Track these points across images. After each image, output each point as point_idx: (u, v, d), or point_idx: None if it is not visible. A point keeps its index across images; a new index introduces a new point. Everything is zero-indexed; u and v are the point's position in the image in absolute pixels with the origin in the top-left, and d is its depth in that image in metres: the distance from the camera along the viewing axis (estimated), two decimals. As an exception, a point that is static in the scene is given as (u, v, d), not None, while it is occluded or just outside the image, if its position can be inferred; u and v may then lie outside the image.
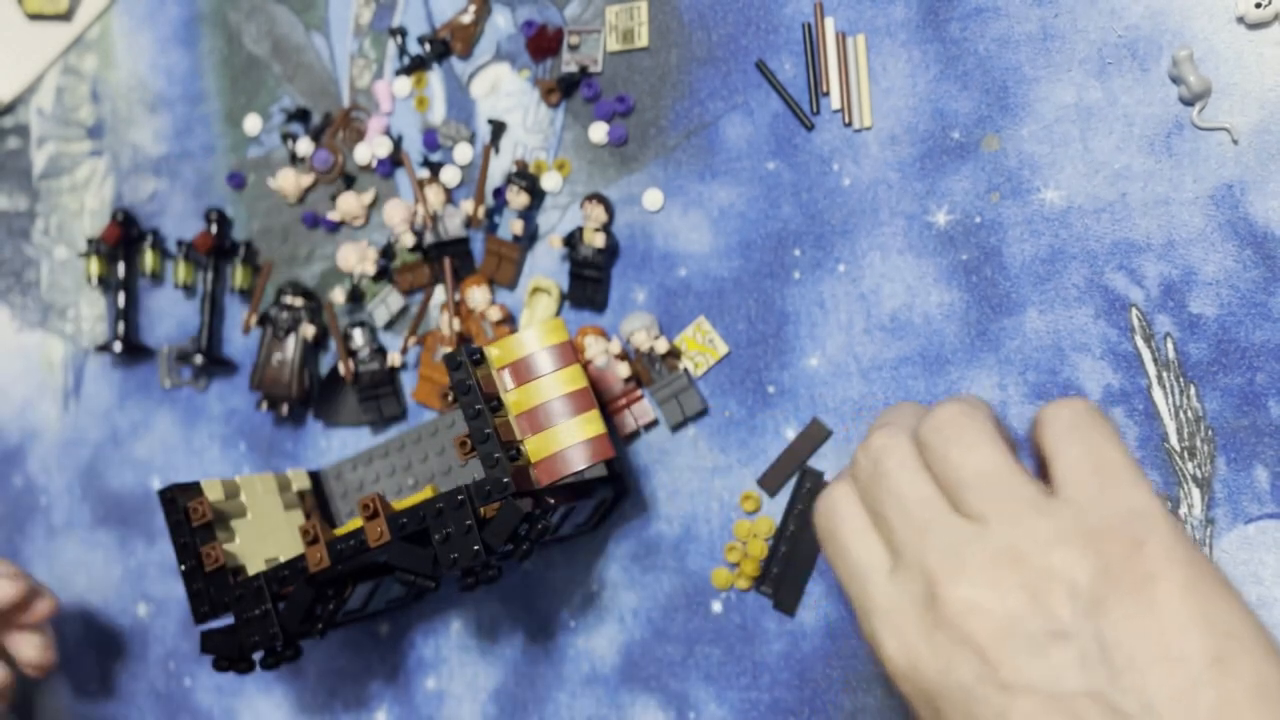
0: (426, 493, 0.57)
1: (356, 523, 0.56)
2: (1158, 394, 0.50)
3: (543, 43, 0.61)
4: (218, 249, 0.70)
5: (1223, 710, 0.32)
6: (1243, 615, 0.35)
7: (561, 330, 0.53)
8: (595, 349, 0.58)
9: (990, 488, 0.38)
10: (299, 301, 0.66)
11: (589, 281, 0.60)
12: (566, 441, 0.52)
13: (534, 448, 0.52)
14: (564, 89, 0.61)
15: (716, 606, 0.57)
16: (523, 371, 0.52)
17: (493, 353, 0.53)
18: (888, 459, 0.40)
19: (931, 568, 0.36)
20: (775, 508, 0.56)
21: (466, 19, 0.64)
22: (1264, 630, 0.35)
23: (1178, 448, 0.50)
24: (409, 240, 0.63)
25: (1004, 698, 0.34)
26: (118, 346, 0.72)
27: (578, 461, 0.52)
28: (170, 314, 0.73)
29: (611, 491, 0.57)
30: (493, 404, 0.51)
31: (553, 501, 0.52)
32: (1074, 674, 0.33)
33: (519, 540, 0.50)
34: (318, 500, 0.63)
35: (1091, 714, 0.33)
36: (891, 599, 0.38)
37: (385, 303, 0.65)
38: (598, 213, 0.59)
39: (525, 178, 0.60)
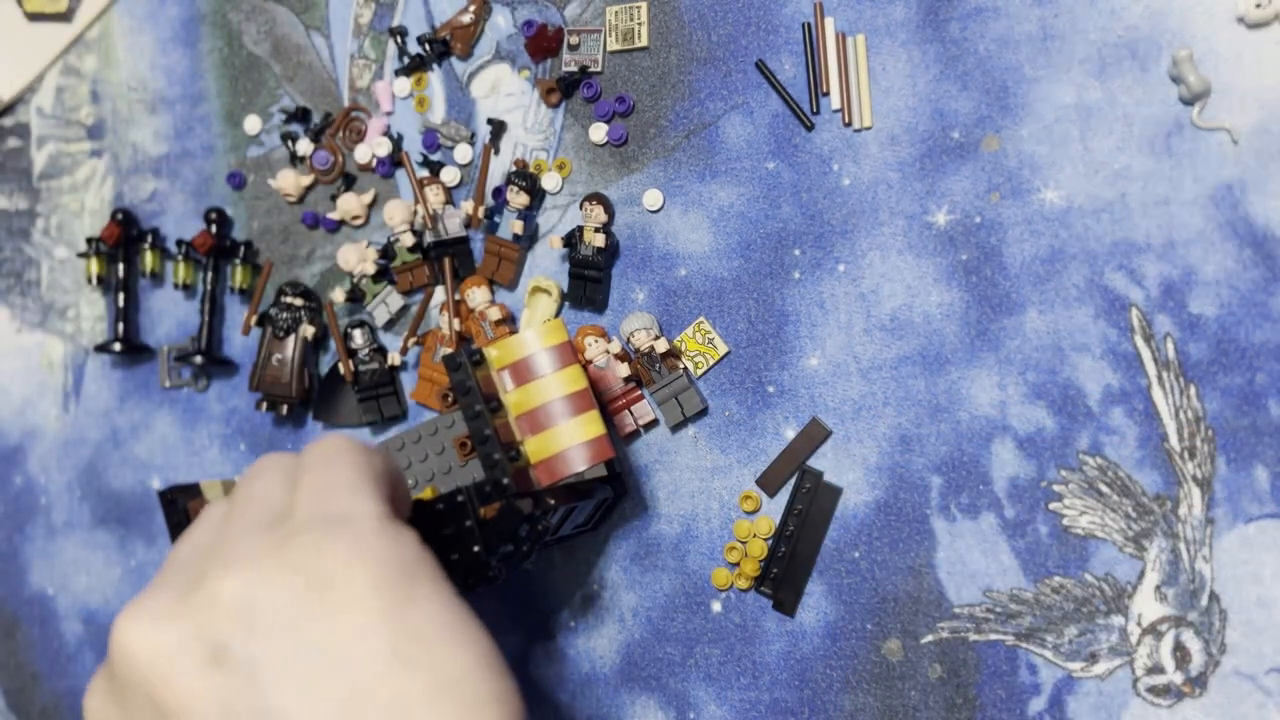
0: (426, 493, 0.57)
1: None
2: (1158, 394, 0.50)
3: (543, 43, 0.61)
4: (218, 249, 0.70)
5: (401, 700, 0.32)
6: (436, 608, 0.34)
7: (561, 331, 0.53)
8: (595, 349, 0.58)
9: (235, 519, 0.37)
10: (299, 301, 0.66)
11: (589, 281, 0.60)
12: (566, 442, 0.52)
13: (534, 448, 0.52)
14: (564, 89, 0.61)
15: (716, 606, 0.57)
16: (523, 372, 0.52)
17: (492, 353, 0.53)
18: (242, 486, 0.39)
19: (118, 617, 0.35)
20: (775, 508, 0.56)
21: (466, 19, 0.64)
22: (462, 625, 0.34)
23: (1178, 448, 0.50)
24: (409, 240, 0.63)
25: None
26: (118, 346, 0.72)
27: (578, 462, 0.52)
28: (170, 314, 0.73)
29: (611, 492, 0.57)
30: (492, 405, 0.51)
31: (552, 502, 0.52)
32: (241, 697, 0.32)
33: (519, 541, 0.50)
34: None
35: None
36: (103, 663, 0.37)
37: (385, 303, 0.65)
38: (598, 213, 0.59)
39: (525, 178, 0.60)
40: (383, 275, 0.66)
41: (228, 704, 0.32)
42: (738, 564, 0.57)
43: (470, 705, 0.33)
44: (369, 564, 0.34)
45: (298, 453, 0.41)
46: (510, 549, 0.50)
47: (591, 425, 0.52)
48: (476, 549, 0.49)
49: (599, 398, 0.57)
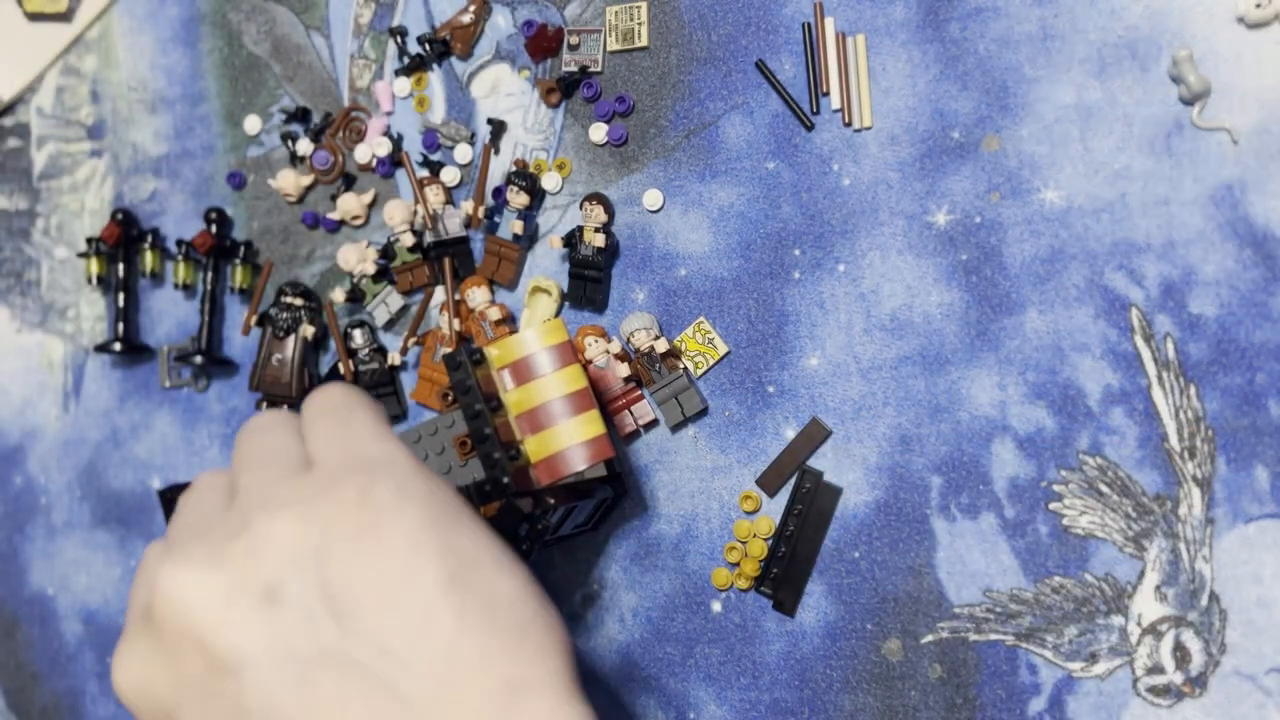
0: (426, 493, 0.57)
1: None
2: (1158, 394, 0.50)
3: (543, 43, 0.61)
4: (218, 249, 0.70)
5: (458, 626, 0.33)
6: (480, 539, 0.35)
7: (561, 330, 0.53)
8: (595, 349, 0.58)
9: (255, 470, 0.37)
10: (299, 301, 0.66)
11: (589, 281, 0.60)
12: (566, 442, 0.52)
13: (534, 448, 0.52)
14: (564, 89, 0.61)
15: (716, 606, 0.57)
16: (523, 371, 0.52)
17: (493, 353, 0.53)
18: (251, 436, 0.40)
19: (154, 571, 0.35)
20: (775, 508, 0.56)
21: (466, 19, 0.64)
22: (504, 554, 0.36)
23: (1178, 448, 0.50)
24: (409, 240, 0.63)
25: (235, 681, 0.32)
26: (118, 346, 0.72)
27: (578, 462, 0.52)
28: (170, 314, 0.73)
29: (611, 491, 0.57)
30: (492, 404, 0.51)
31: (552, 501, 0.52)
32: (301, 635, 0.32)
33: (518, 540, 0.50)
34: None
35: (322, 673, 0.32)
36: (127, 629, 0.36)
37: (385, 303, 0.65)
38: (598, 213, 0.59)
39: (525, 178, 0.60)
40: (383, 275, 0.66)
41: (287, 643, 0.32)
42: (738, 564, 0.57)
43: (523, 627, 0.34)
44: (416, 500, 0.35)
45: (290, 412, 0.41)
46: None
47: (591, 424, 0.52)
48: (476, 549, 0.50)
49: (599, 398, 0.57)
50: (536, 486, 0.51)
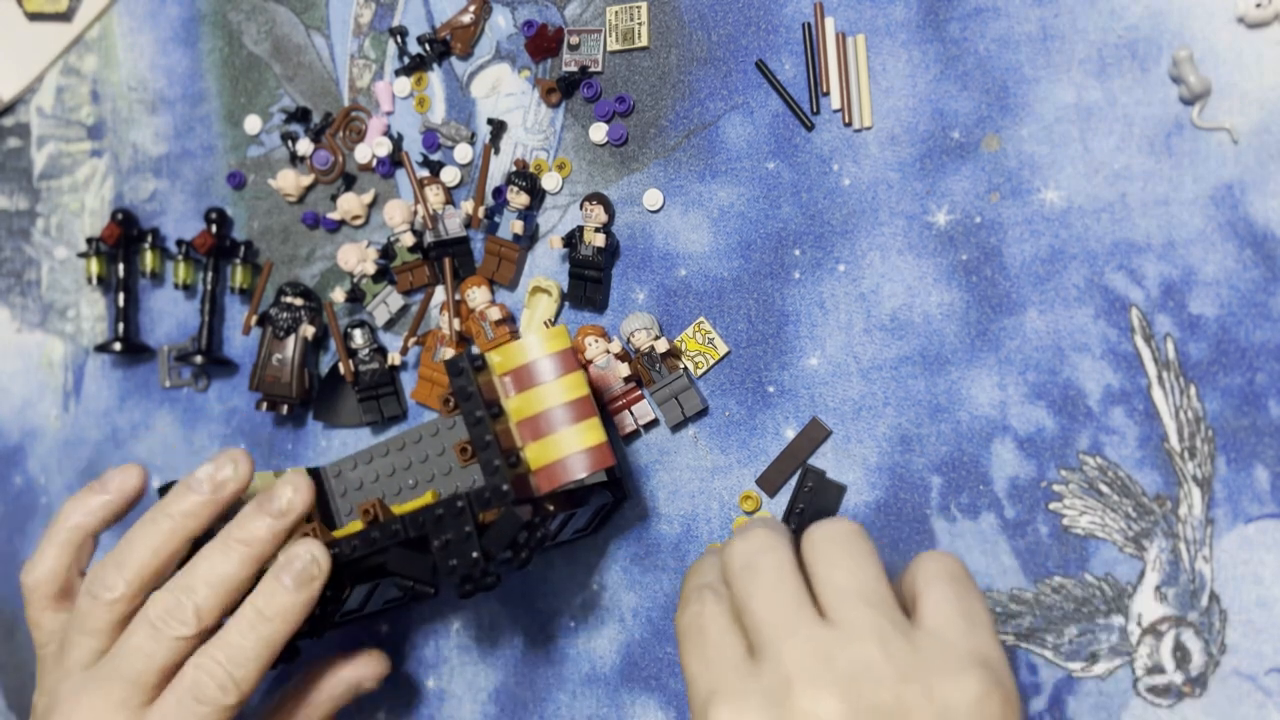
0: (427, 497, 0.57)
1: (356, 525, 0.56)
2: (1158, 394, 0.50)
3: (543, 43, 0.61)
4: (218, 249, 0.70)
5: None
6: None
7: (564, 337, 0.53)
8: (595, 349, 0.58)
9: (861, 601, 0.40)
10: (299, 301, 0.66)
11: (589, 281, 0.60)
12: (567, 449, 0.51)
13: (534, 455, 0.52)
14: (564, 89, 0.61)
15: (717, 606, 0.57)
16: (524, 378, 0.52)
17: (494, 359, 0.53)
18: (765, 557, 0.43)
19: (791, 668, 0.38)
20: (775, 508, 0.56)
21: (466, 19, 0.64)
22: None
23: (1178, 448, 0.50)
24: (409, 240, 0.63)
25: None
26: (118, 346, 0.72)
27: (578, 470, 0.51)
28: (170, 314, 0.73)
29: (611, 497, 0.57)
30: (493, 410, 0.51)
31: (552, 509, 0.51)
32: None
33: (518, 548, 0.50)
34: (317, 499, 0.63)
35: None
36: (743, 685, 0.39)
37: (385, 303, 0.65)
38: (598, 213, 0.59)
39: (525, 178, 0.60)
40: (383, 275, 0.66)
41: None
42: (738, 564, 0.57)
43: None
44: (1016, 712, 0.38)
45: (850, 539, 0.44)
46: (509, 555, 0.50)
47: (592, 432, 0.52)
48: (475, 556, 0.50)
49: (599, 398, 0.57)
50: (536, 494, 0.51)
